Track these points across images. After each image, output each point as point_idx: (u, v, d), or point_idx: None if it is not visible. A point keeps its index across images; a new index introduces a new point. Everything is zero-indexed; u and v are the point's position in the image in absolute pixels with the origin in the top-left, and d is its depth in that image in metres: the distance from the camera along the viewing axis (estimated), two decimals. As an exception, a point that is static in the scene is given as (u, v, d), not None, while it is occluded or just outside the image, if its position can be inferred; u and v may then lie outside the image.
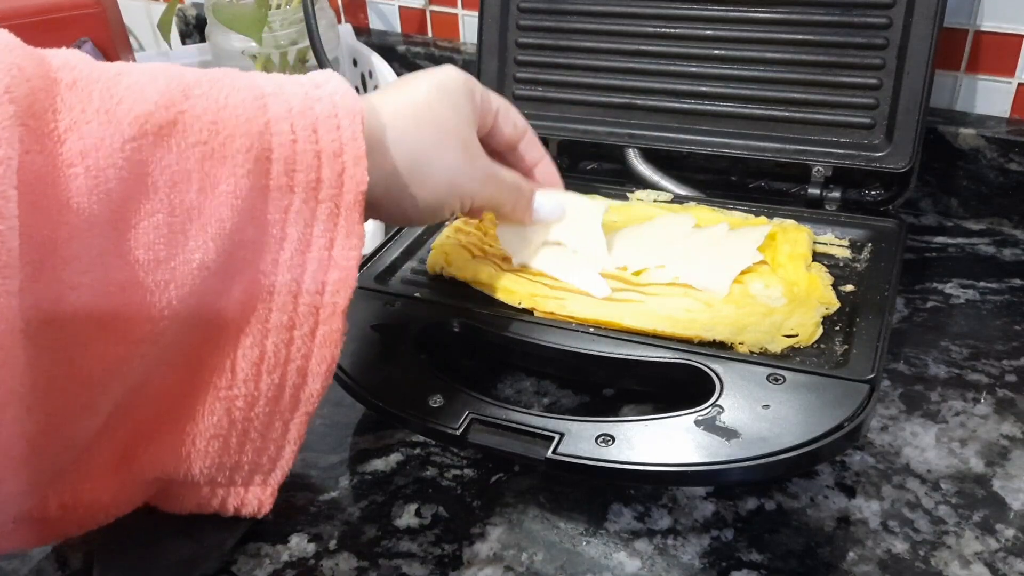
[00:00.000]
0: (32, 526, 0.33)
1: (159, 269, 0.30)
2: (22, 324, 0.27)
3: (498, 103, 0.43)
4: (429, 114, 0.38)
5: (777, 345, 0.41)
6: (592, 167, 0.63)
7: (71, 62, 0.30)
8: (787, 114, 0.56)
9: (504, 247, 0.48)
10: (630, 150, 0.59)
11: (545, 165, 0.46)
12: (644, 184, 0.59)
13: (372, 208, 0.37)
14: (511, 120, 0.44)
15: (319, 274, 0.33)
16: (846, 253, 0.49)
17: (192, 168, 0.30)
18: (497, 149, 0.45)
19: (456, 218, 0.53)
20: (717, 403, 0.37)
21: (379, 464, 0.43)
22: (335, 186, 0.33)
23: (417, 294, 0.48)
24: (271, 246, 0.33)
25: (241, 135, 0.31)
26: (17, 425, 0.28)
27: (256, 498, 0.37)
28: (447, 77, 0.40)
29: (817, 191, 0.54)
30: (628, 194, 0.57)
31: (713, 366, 0.40)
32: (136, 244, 0.30)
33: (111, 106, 0.29)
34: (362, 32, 0.84)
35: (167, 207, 0.30)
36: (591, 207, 0.48)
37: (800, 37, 0.54)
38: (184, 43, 0.95)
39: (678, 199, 0.55)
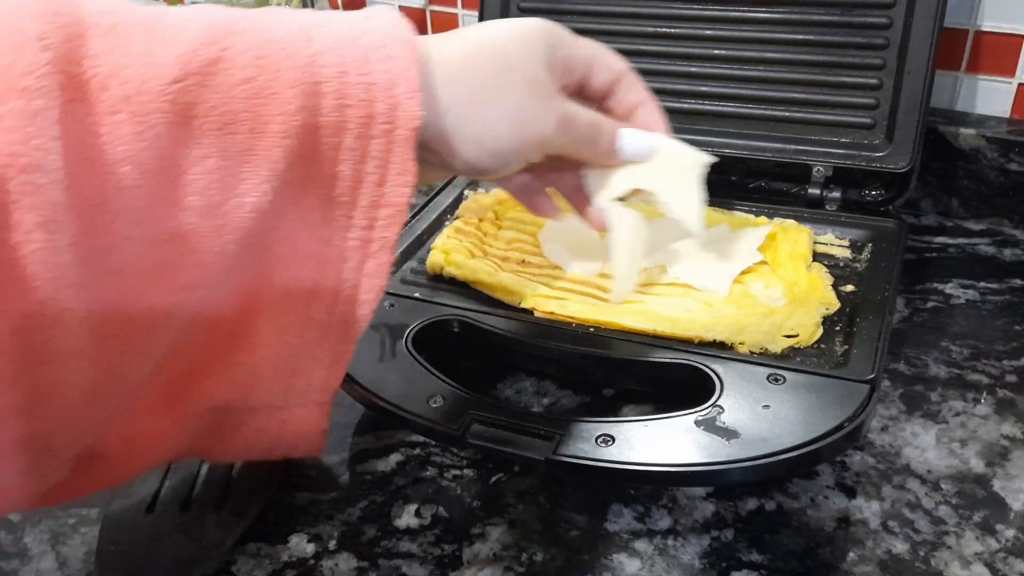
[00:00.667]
0: (96, 464, 0.33)
1: (213, 214, 0.29)
2: (76, 279, 0.27)
3: (588, 51, 0.38)
4: (486, 50, 0.35)
5: (777, 345, 0.41)
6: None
7: (108, 6, 0.29)
8: (787, 114, 0.56)
9: (587, 189, 0.42)
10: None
11: (647, 108, 0.41)
12: (644, 184, 0.59)
13: (431, 151, 0.34)
14: (606, 66, 0.39)
15: (370, 211, 0.32)
16: (846, 253, 0.49)
17: (240, 108, 0.29)
18: (592, 99, 0.40)
19: (455, 222, 0.53)
20: (717, 403, 0.37)
21: (379, 464, 0.43)
22: (388, 120, 0.31)
23: (417, 294, 0.48)
24: (321, 183, 0.32)
25: (288, 70, 0.30)
26: (77, 375, 0.28)
27: (312, 419, 0.36)
28: (521, 24, 0.36)
29: (817, 191, 0.54)
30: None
31: (713, 366, 0.40)
32: (189, 190, 0.29)
33: (152, 48, 0.28)
34: (362, 32, 0.84)
35: (218, 150, 0.29)
36: (690, 156, 0.42)
37: (800, 37, 0.54)
38: (184, 43, 0.95)
39: (678, 199, 0.55)
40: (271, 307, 0.33)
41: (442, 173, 0.36)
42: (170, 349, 0.32)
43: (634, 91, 0.40)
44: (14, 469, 0.29)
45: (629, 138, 0.40)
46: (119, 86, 0.27)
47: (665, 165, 0.41)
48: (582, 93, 0.39)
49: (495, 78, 0.34)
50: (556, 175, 0.42)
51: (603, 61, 0.39)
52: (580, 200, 0.42)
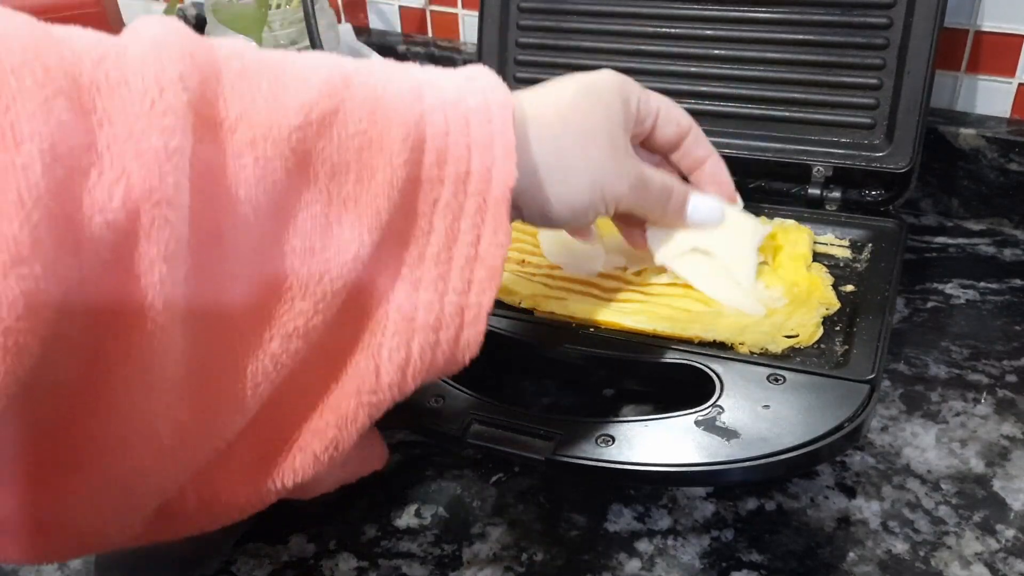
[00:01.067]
0: (169, 520, 0.33)
1: (314, 260, 0.30)
2: (183, 313, 0.27)
3: (658, 104, 0.41)
4: (575, 112, 0.37)
5: (777, 345, 0.41)
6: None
7: (238, 50, 0.30)
8: (787, 114, 0.56)
9: (649, 245, 0.45)
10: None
11: (711, 164, 0.44)
12: (644, 184, 0.59)
13: (514, 207, 0.35)
14: (673, 120, 0.42)
15: (465, 271, 0.32)
16: (846, 253, 0.49)
17: (351, 158, 0.30)
18: (659, 151, 0.43)
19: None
20: (717, 403, 0.37)
21: (379, 464, 0.43)
22: (484, 179, 0.32)
23: (417, 294, 0.48)
24: (419, 239, 0.32)
25: (398, 124, 0.31)
26: (169, 414, 0.28)
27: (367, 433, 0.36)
28: (599, 80, 0.39)
29: (817, 191, 0.54)
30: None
31: (713, 366, 0.40)
32: (294, 234, 0.29)
33: (278, 94, 0.29)
34: (362, 32, 0.84)
35: (325, 197, 0.30)
36: (750, 224, 0.46)
37: (800, 37, 0.54)
38: (184, 43, 0.94)
39: (678, 199, 0.55)
40: (363, 378, 0.32)
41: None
42: (261, 408, 0.31)
43: (700, 146, 0.43)
44: (98, 515, 0.30)
45: (699, 204, 0.43)
46: (247, 129, 0.28)
47: (726, 229, 0.44)
48: (649, 143, 0.42)
49: (582, 141, 0.37)
50: (624, 227, 0.45)
51: (670, 115, 0.42)
52: (641, 241, 0.45)
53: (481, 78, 0.34)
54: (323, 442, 0.33)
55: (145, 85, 0.26)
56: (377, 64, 0.33)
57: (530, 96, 0.37)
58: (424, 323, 0.32)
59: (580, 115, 0.37)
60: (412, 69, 0.34)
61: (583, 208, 0.37)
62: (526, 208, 0.37)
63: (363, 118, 0.30)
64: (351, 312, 0.31)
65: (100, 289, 0.25)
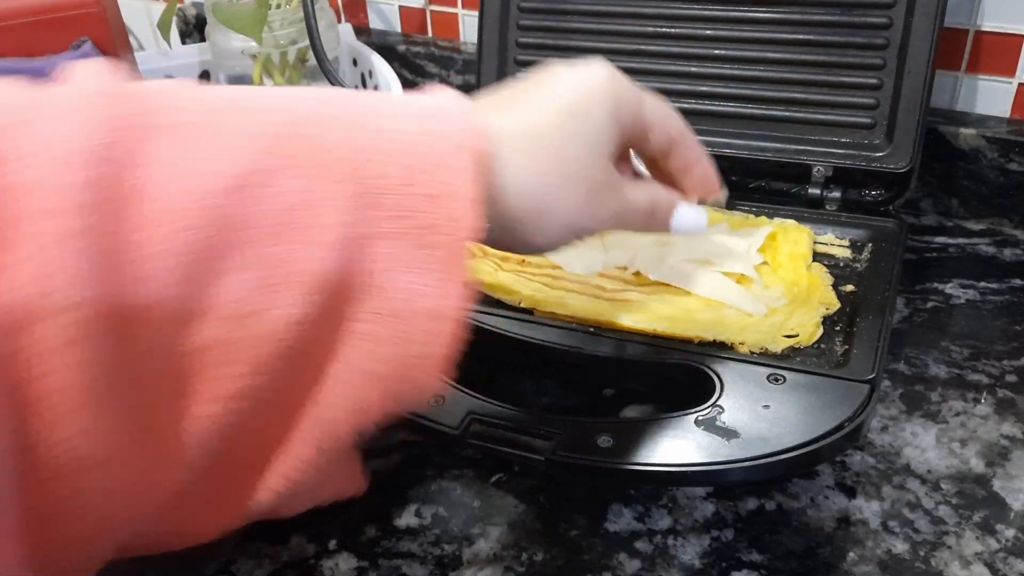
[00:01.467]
0: (139, 546, 0.33)
1: (250, 324, 0.28)
2: (101, 392, 0.26)
3: (653, 115, 0.39)
4: (554, 151, 0.34)
5: (777, 345, 0.41)
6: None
7: (170, 103, 0.28)
8: (787, 114, 0.56)
9: (639, 269, 0.47)
10: (631, 150, 0.59)
11: (700, 170, 0.41)
12: (644, 184, 0.59)
13: (484, 240, 0.34)
14: (666, 132, 0.40)
15: (424, 323, 0.31)
16: (846, 253, 0.49)
17: (287, 220, 0.28)
18: (648, 156, 0.41)
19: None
20: (717, 403, 0.37)
21: (379, 464, 0.43)
22: (447, 232, 0.30)
23: (417, 294, 0.48)
24: (372, 295, 0.30)
25: (341, 180, 0.29)
26: (106, 485, 0.28)
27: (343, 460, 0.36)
28: (588, 92, 0.36)
29: (817, 191, 0.54)
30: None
31: (713, 366, 0.40)
32: (217, 301, 0.28)
33: (205, 156, 0.27)
34: (362, 32, 0.84)
35: (256, 260, 0.28)
36: (739, 242, 0.47)
37: (801, 37, 0.54)
38: (184, 43, 0.95)
39: (678, 199, 0.55)
40: (321, 427, 0.31)
41: None
42: (211, 460, 0.31)
43: (689, 153, 0.41)
44: (65, 561, 0.29)
45: (683, 215, 0.41)
46: (162, 198, 0.27)
47: (718, 245, 0.46)
48: (637, 150, 0.40)
49: (560, 184, 0.34)
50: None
51: (664, 125, 0.39)
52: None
53: (455, 119, 0.32)
54: (285, 481, 0.32)
55: (54, 157, 0.25)
56: (330, 106, 0.31)
57: (506, 126, 0.34)
58: (385, 375, 0.31)
59: (561, 157, 0.34)
60: (377, 106, 0.31)
61: (553, 247, 0.36)
62: (495, 247, 0.35)
63: (302, 176, 0.28)
64: (301, 372, 0.30)
65: (9, 373, 0.25)
